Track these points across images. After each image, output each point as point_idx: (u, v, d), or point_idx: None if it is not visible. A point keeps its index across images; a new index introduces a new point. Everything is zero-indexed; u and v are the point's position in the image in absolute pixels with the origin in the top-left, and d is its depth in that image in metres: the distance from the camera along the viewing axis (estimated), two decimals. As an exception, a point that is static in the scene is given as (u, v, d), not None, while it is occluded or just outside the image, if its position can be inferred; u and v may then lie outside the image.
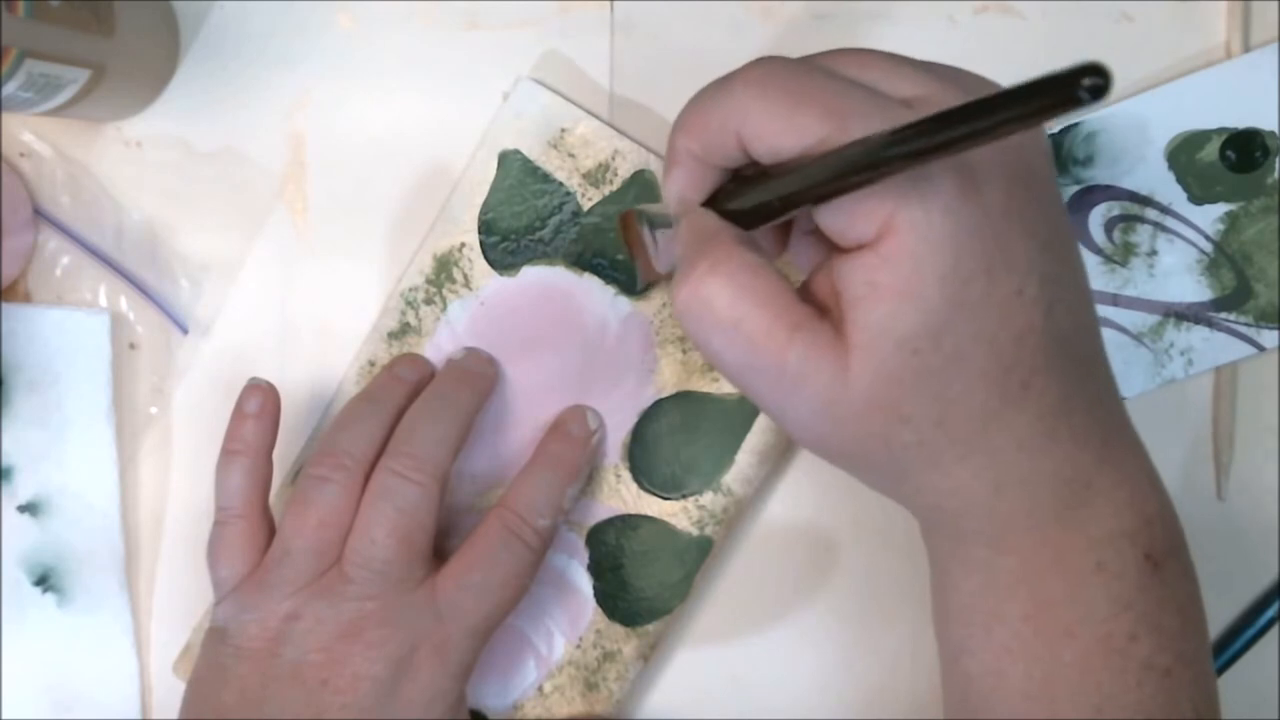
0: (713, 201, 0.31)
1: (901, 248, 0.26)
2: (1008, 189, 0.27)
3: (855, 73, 0.28)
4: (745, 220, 0.30)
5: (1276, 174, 0.40)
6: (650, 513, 0.42)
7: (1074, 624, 0.29)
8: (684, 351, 0.41)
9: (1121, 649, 0.29)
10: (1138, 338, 0.41)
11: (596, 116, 0.41)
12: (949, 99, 0.27)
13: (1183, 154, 0.40)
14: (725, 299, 0.28)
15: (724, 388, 0.41)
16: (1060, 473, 0.29)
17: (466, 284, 0.42)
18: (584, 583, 0.42)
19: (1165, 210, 0.40)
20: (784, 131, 0.27)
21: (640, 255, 0.35)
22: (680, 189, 0.31)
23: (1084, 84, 0.21)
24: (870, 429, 0.28)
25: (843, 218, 0.27)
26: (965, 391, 0.27)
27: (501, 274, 0.42)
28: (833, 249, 0.28)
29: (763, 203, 0.29)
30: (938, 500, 0.30)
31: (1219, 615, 0.42)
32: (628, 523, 0.42)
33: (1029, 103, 0.22)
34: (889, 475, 0.30)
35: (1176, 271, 0.40)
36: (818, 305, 0.29)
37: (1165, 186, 0.40)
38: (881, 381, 0.27)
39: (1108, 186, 0.40)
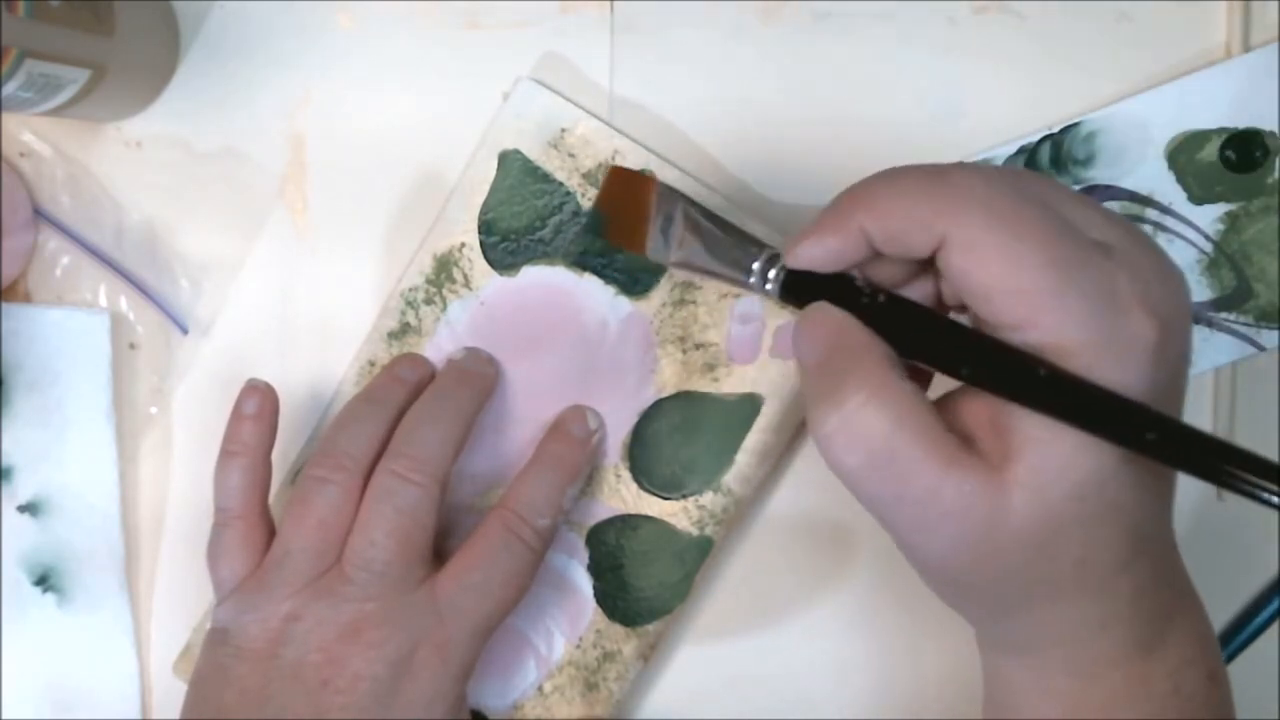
0: (849, 296, 0.29)
1: None
2: (1183, 350, 0.27)
3: (1055, 205, 0.27)
4: (902, 345, 0.28)
5: (1276, 174, 0.40)
6: (650, 513, 0.42)
7: None
8: (684, 352, 0.41)
9: None
10: (1138, 338, 0.41)
11: (596, 116, 0.41)
12: (1137, 248, 0.27)
13: (1183, 154, 0.40)
14: (882, 431, 0.27)
15: (724, 387, 0.41)
16: (1157, 611, 0.30)
17: (466, 284, 0.42)
18: (584, 583, 0.42)
19: (1165, 210, 0.40)
20: (1000, 259, 0.26)
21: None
22: (824, 255, 0.29)
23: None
24: (1011, 563, 0.28)
25: None
26: (1110, 537, 0.28)
27: (502, 274, 0.42)
28: None
29: (949, 363, 0.28)
30: (1040, 631, 0.30)
31: (1219, 615, 0.42)
32: (628, 523, 0.42)
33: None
34: (1002, 605, 0.29)
35: (1176, 271, 0.40)
36: (960, 433, 0.28)
37: (1165, 186, 0.40)
38: (1040, 523, 0.27)
39: (1108, 186, 0.40)
